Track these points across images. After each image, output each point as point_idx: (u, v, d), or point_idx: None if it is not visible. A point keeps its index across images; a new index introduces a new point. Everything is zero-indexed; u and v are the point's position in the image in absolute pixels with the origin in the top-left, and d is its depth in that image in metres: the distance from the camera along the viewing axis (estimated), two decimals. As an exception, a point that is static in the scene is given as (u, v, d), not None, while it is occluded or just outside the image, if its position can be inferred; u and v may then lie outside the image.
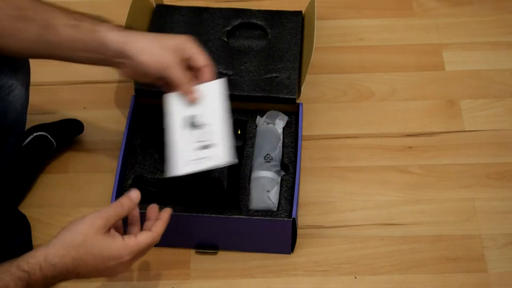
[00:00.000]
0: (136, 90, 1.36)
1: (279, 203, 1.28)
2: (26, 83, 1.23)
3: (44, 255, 0.96)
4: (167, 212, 1.08)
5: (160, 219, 1.07)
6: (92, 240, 0.98)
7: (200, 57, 1.12)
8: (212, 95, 1.13)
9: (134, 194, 1.06)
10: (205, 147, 1.11)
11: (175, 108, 1.13)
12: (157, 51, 1.09)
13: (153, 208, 1.09)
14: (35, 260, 0.95)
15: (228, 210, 1.25)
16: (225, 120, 1.12)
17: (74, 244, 0.97)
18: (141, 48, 1.08)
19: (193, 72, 1.13)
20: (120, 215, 1.02)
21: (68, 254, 0.97)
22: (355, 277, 1.27)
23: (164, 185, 1.28)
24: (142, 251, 1.02)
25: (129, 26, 1.11)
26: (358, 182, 1.38)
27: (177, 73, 1.10)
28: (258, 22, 1.46)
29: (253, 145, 1.34)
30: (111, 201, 1.22)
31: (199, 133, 1.12)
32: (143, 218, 1.07)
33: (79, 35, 1.07)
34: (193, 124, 1.13)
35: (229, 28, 1.45)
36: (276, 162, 1.30)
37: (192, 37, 1.14)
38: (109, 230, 1.00)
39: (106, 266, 0.99)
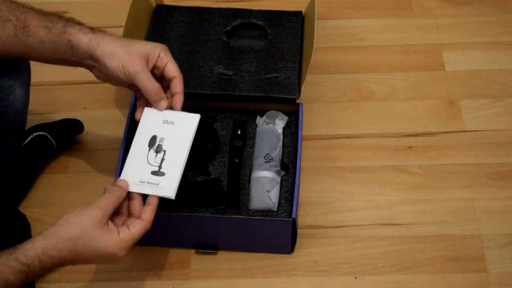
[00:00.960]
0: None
1: (279, 203, 1.28)
2: (27, 83, 1.23)
3: (42, 247, 0.98)
4: (155, 198, 1.09)
5: (148, 203, 1.08)
6: (90, 233, 1.00)
7: (171, 67, 1.11)
8: (185, 127, 1.14)
9: (123, 182, 1.08)
10: (157, 173, 1.11)
11: (147, 123, 1.14)
12: (126, 56, 1.08)
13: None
14: (33, 253, 0.97)
15: (228, 210, 1.25)
16: (185, 156, 1.12)
17: (71, 237, 0.99)
18: (110, 53, 1.07)
19: (165, 82, 1.13)
20: (115, 204, 1.04)
21: (65, 247, 0.99)
22: (355, 277, 1.27)
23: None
24: (135, 241, 1.04)
25: (101, 29, 1.10)
26: (358, 182, 1.38)
27: (145, 81, 1.09)
28: (258, 22, 1.46)
29: (253, 145, 1.34)
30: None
31: (157, 157, 1.12)
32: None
33: (52, 36, 1.07)
34: (156, 147, 1.13)
35: (229, 28, 1.45)
36: (276, 162, 1.30)
37: (165, 46, 1.12)
38: (107, 221, 1.02)
39: (102, 259, 1.02)
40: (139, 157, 1.12)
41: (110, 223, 1.03)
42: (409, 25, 1.60)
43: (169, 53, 1.12)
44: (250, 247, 1.29)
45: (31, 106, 1.27)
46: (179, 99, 1.13)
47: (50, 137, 1.37)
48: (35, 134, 1.36)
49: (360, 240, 1.31)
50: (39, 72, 1.31)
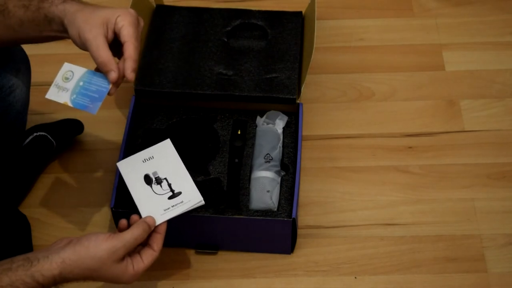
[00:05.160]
0: (136, 90, 1.36)
1: (279, 203, 1.28)
2: (27, 84, 1.23)
3: (59, 270, 0.99)
4: (164, 225, 1.11)
5: (158, 232, 1.10)
6: (108, 268, 1.02)
7: (124, 31, 1.05)
8: (163, 154, 1.16)
9: (151, 219, 1.10)
10: (173, 196, 1.13)
11: (130, 173, 1.16)
12: (82, 24, 1.04)
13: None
14: (49, 274, 0.99)
15: (228, 210, 1.25)
16: (181, 170, 1.15)
17: (90, 268, 1.01)
18: (71, 21, 1.04)
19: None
20: (139, 241, 1.06)
21: (82, 274, 1.01)
22: (355, 277, 1.27)
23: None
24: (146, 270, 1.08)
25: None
26: (358, 182, 1.38)
27: (93, 49, 1.04)
28: (258, 23, 1.46)
29: (253, 145, 1.34)
30: (111, 201, 1.22)
31: (163, 186, 1.14)
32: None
33: (29, 14, 1.06)
34: (155, 180, 1.15)
35: (229, 28, 1.45)
36: (276, 162, 1.30)
37: (130, 11, 1.07)
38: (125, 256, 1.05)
39: (114, 284, 1.07)
40: (147, 197, 1.14)
41: (127, 257, 1.05)
42: (409, 25, 1.60)
43: (127, 18, 1.05)
44: (250, 247, 1.29)
45: (31, 106, 1.27)
46: (128, 65, 1.04)
47: (50, 137, 1.37)
48: (35, 134, 1.36)
49: (360, 240, 1.31)
50: (39, 72, 1.31)
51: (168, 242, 1.29)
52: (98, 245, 1.02)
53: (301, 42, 1.43)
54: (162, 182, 1.14)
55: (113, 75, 1.04)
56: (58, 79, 1.09)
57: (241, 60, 1.40)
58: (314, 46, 1.33)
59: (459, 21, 1.61)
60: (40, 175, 1.39)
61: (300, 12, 1.48)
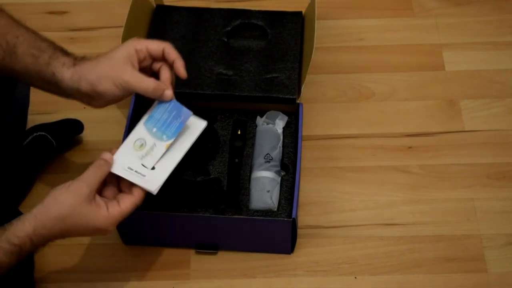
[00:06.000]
0: (136, 90, 1.36)
1: (279, 203, 1.28)
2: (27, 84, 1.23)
3: (33, 228, 1.00)
4: None
5: None
6: (78, 211, 1.01)
7: (152, 46, 1.07)
8: (190, 131, 1.12)
9: (107, 155, 1.07)
10: (143, 166, 1.08)
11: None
12: (110, 72, 1.04)
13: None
14: (24, 234, 0.99)
15: (228, 210, 1.25)
16: (179, 157, 1.10)
17: (61, 217, 1.01)
18: (96, 79, 1.04)
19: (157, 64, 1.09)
20: (101, 179, 1.04)
21: (55, 226, 1.01)
22: (355, 277, 1.27)
23: (164, 185, 1.27)
24: (125, 217, 1.05)
25: (82, 57, 1.08)
26: (358, 182, 1.38)
27: (138, 85, 1.05)
28: (258, 23, 1.46)
29: (253, 145, 1.34)
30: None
31: (149, 155, 1.10)
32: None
33: (37, 66, 1.05)
34: (148, 146, 1.10)
35: (229, 28, 1.45)
36: (276, 162, 1.30)
37: (135, 39, 1.08)
38: (94, 196, 1.03)
39: (91, 233, 1.04)
40: (131, 148, 1.09)
41: (97, 197, 1.03)
42: (409, 25, 1.60)
43: (141, 40, 1.07)
44: (250, 247, 1.29)
45: (31, 106, 1.27)
46: (179, 64, 1.08)
47: (50, 137, 1.37)
48: (35, 134, 1.36)
49: (360, 240, 1.31)
50: (39, 72, 1.31)
51: (168, 242, 1.29)
52: (63, 192, 1.02)
53: (301, 42, 1.43)
54: (152, 151, 1.09)
55: (169, 92, 1.08)
56: (134, 158, 1.08)
57: (241, 60, 1.40)
58: (314, 46, 1.33)
59: (459, 21, 1.60)
60: (40, 175, 1.39)
61: (300, 12, 1.48)
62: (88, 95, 1.06)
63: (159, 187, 1.08)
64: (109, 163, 1.06)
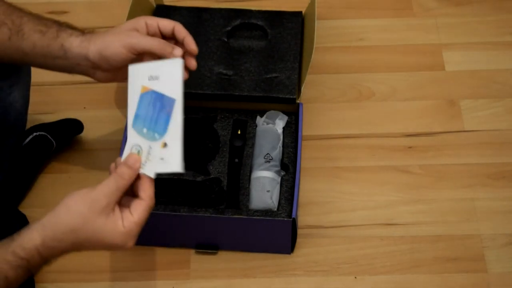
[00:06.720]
0: (136, 90, 1.36)
1: (279, 203, 1.28)
2: (27, 84, 1.23)
3: (41, 239, 0.90)
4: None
5: (141, 177, 0.96)
6: (92, 224, 0.91)
7: (163, 23, 1.06)
8: (171, 78, 1.01)
9: (132, 160, 0.96)
10: (148, 173, 0.98)
11: (135, 82, 1.03)
12: (119, 37, 1.04)
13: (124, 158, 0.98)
14: (31, 245, 0.90)
15: (228, 210, 1.25)
16: (179, 117, 0.99)
17: (73, 229, 0.91)
18: (104, 44, 1.05)
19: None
20: (122, 189, 0.93)
21: (66, 239, 0.91)
22: (355, 277, 1.27)
23: (164, 185, 1.28)
24: (143, 225, 0.94)
25: (90, 31, 1.09)
26: (358, 182, 1.38)
27: (147, 42, 1.03)
28: (258, 23, 1.46)
29: (253, 145, 1.34)
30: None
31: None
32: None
33: (44, 41, 1.06)
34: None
35: (229, 28, 1.45)
36: (276, 162, 1.30)
37: (145, 16, 1.08)
38: (113, 209, 0.92)
39: (110, 249, 0.95)
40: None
41: (117, 209, 0.93)
42: (409, 25, 1.60)
43: (153, 17, 1.08)
44: (250, 247, 1.29)
45: (31, 106, 1.27)
46: (190, 39, 1.06)
47: (50, 137, 1.37)
48: (35, 134, 1.36)
49: (360, 240, 1.31)
50: (39, 72, 1.30)
51: (168, 242, 1.29)
52: (77, 200, 0.91)
53: (301, 42, 1.43)
54: (150, 156, 0.98)
55: (178, 50, 1.03)
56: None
57: (241, 60, 1.40)
58: (314, 46, 1.33)
59: (459, 21, 1.60)
60: (40, 175, 1.39)
61: (300, 12, 1.48)
62: (94, 62, 1.06)
63: (182, 161, 0.97)
64: (134, 171, 0.95)
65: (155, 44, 1.04)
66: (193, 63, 1.07)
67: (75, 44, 1.06)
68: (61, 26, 1.09)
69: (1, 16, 1.06)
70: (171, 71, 1.00)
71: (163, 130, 0.99)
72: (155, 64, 1.02)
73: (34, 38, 1.06)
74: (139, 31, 1.06)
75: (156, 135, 0.99)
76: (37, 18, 1.08)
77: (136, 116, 1.02)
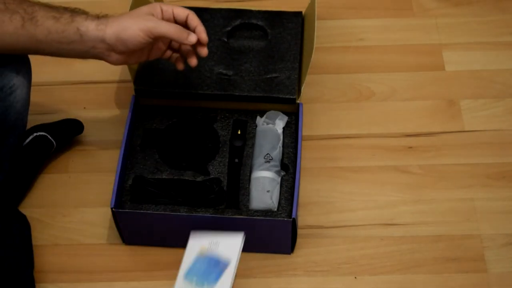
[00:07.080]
0: (136, 90, 1.36)
1: (279, 203, 1.28)
2: (27, 84, 1.23)
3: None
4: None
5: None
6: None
7: (178, 10, 1.14)
8: (230, 248, 1.20)
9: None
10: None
11: (195, 245, 1.20)
12: (136, 20, 1.11)
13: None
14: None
15: (228, 210, 1.25)
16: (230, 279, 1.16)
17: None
18: (121, 27, 1.10)
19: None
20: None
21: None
22: (355, 277, 1.27)
23: (164, 185, 1.28)
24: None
25: (104, 14, 1.14)
26: (358, 182, 1.38)
27: (165, 27, 1.11)
28: (258, 23, 1.46)
29: (253, 145, 1.34)
30: (111, 201, 1.22)
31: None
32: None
33: (59, 26, 1.08)
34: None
35: (229, 28, 1.45)
36: (276, 162, 1.30)
37: (160, 3, 1.16)
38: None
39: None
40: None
41: None
42: (409, 25, 1.60)
43: (168, 4, 1.14)
44: (250, 247, 1.29)
45: (31, 106, 1.27)
46: (201, 29, 1.15)
47: (50, 137, 1.37)
48: (35, 134, 1.36)
49: (360, 240, 1.31)
50: (39, 72, 1.31)
51: (168, 242, 1.29)
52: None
53: (301, 42, 1.43)
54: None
55: (193, 36, 1.13)
56: None
57: (241, 60, 1.40)
58: (314, 46, 1.33)
59: (459, 21, 1.60)
60: (40, 175, 1.39)
61: (300, 12, 1.48)
62: (110, 44, 1.10)
63: None
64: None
65: (172, 29, 1.11)
66: (194, 60, 1.18)
67: (91, 28, 1.09)
68: (74, 11, 1.11)
69: (12, 5, 1.07)
70: (232, 241, 1.19)
71: (214, 282, 1.16)
72: (218, 233, 1.20)
73: (48, 24, 1.08)
74: (156, 16, 1.12)
75: (205, 284, 1.16)
76: (48, 5, 1.10)
77: (189, 270, 1.17)
